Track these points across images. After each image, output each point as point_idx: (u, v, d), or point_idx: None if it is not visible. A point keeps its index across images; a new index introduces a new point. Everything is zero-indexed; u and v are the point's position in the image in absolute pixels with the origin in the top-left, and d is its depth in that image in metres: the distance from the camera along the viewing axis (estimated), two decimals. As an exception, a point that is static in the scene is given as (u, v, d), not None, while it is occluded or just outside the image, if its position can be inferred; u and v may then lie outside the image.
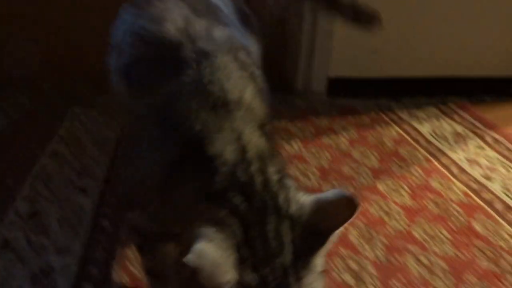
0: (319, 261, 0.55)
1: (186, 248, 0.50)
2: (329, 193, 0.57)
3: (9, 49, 1.63)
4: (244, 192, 0.55)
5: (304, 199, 0.57)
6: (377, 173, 1.32)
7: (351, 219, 0.54)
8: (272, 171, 0.58)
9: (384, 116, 1.72)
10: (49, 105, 1.55)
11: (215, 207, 0.55)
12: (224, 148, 0.57)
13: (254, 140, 0.60)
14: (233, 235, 0.52)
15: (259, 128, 0.62)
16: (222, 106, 0.60)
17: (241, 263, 0.51)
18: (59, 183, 1.16)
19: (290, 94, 1.85)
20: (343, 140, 1.50)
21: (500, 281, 0.93)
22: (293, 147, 1.45)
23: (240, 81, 0.64)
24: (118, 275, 0.90)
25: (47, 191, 1.13)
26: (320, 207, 0.56)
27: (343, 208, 0.54)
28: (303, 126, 1.59)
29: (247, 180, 0.56)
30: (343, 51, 1.82)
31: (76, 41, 1.67)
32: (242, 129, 0.59)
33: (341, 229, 0.54)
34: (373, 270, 0.95)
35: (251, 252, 0.52)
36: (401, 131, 1.60)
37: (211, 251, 0.50)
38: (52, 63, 1.66)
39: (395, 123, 1.67)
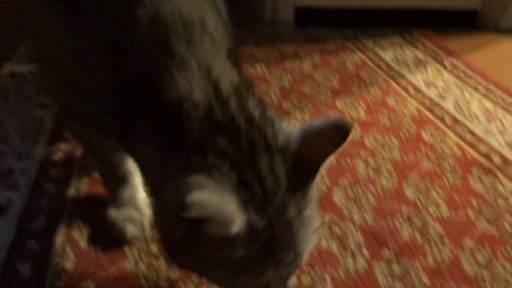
0: (313, 192, 0.54)
1: (173, 205, 0.46)
2: (318, 121, 0.53)
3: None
4: (227, 134, 0.50)
5: (291, 130, 0.53)
6: (336, 93, 1.36)
7: (342, 146, 0.51)
8: (252, 106, 0.53)
9: (349, 43, 1.73)
10: (5, 32, 1.51)
11: (196, 154, 0.49)
12: (192, 90, 0.50)
13: (227, 73, 0.53)
14: (227, 179, 0.48)
15: (228, 58, 0.55)
16: (184, 39, 0.52)
17: (243, 206, 0.47)
18: (18, 99, 1.16)
19: (257, 23, 1.83)
20: (306, 64, 1.53)
21: (441, 179, 1.01)
22: (257, 70, 1.46)
23: (199, 8, 0.55)
24: (78, 176, 0.93)
25: (6, 106, 1.13)
26: (309, 137, 0.52)
27: (333, 136, 0.51)
28: (268, 51, 1.60)
29: (228, 121, 0.50)
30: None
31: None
32: (211, 63, 0.52)
33: (332, 156, 0.51)
34: (323, 172, 1.00)
35: (249, 194, 0.48)
36: (364, 57, 1.62)
37: (210, 197, 0.45)
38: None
39: (359, 50, 1.69)
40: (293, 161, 0.51)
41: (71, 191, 0.88)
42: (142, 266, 0.75)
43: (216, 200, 0.45)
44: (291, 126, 0.54)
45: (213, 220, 0.45)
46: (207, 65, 0.52)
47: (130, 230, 0.80)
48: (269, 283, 0.53)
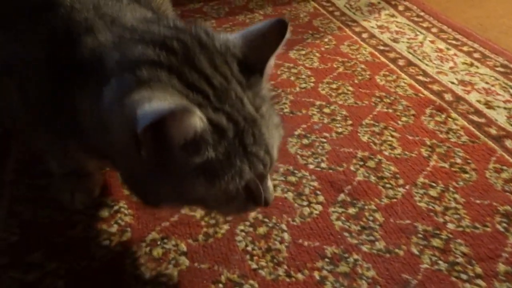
0: (265, 90, 0.54)
1: (128, 128, 0.44)
2: (255, 25, 0.55)
3: None
4: (150, 43, 0.50)
5: (227, 36, 0.54)
6: (290, 44, 1.32)
7: (284, 40, 0.53)
8: (167, 21, 0.55)
9: (302, -6, 1.68)
10: None
11: (127, 73, 0.47)
12: (97, 37, 0.53)
13: (132, 16, 0.57)
14: (170, 85, 0.46)
15: (140, 8, 0.60)
16: (93, 11, 0.57)
17: (198, 107, 0.46)
18: None
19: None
20: (257, 17, 1.47)
21: (394, 121, 1.01)
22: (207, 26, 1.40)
23: None
24: (18, 147, 0.87)
25: None
26: (250, 39, 0.53)
27: (273, 33, 0.53)
28: (218, 6, 1.53)
29: (144, 32, 0.52)
30: None
31: None
32: (115, 15, 0.56)
33: (278, 51, 0.53)
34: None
35: (200, 94, 0.47)
36: (317, 6, 1.58)
37: (161, 101, 0.43)
38: None
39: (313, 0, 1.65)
40: (238, 62, 0.52)
41: (12, 163, 0.83)
42: (92, 232, 0.72)
43: (169, 99, 0.44)
44: (228, 34, 0.55)
45: (172, 116, 0.43)
46: (110, 20, 0.55)
47: (80, 197, 0.76)
48: (249, 185, 0.52)
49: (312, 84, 1.13)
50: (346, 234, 0.74)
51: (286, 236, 0.73)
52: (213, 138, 0.47)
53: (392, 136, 0.96)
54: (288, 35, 0.53)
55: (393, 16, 1.53)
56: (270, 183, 0.58)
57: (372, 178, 0.85)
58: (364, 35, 1.39)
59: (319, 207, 0.79)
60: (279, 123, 0.55)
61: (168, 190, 0.51)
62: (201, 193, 0.51)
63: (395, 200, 0.81)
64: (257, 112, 0.51)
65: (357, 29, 1.42)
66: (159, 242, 0.71)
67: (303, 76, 1.16)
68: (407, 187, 0.83)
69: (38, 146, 0.73)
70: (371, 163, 0.89)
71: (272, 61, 0.55)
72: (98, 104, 0.50)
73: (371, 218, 0.77)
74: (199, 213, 0.77)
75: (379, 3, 1.62)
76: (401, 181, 0.85)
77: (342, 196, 0.81)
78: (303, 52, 1.28)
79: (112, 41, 0.53)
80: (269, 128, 0.53)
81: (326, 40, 1.35)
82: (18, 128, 0.69)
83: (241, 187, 0.51)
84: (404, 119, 1.02)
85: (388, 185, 0.84)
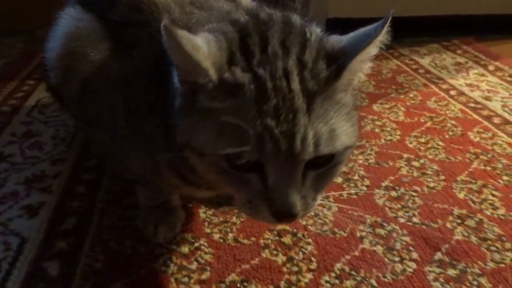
0: (343, 92, 0.50)
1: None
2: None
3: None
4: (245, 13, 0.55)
5: (340, 39, 0.53)
6: (373, 97, 1.30)
7: (377, 37, 0.49)
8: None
9: (383, 52, 1.68)
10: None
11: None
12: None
13: None
14: (225, 37, 0.49)
15: None
16: None
17: (233, 63, 0.47)
18: (54, 111, 1.18)
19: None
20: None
21: (495, 180, 0.92)
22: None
23: None
24: (109, 178, 0.91)
25: (42, 117, 1.15)
26: (351, 38, 0.52)
27: (371, 29, 0.50)
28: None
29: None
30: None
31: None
32: None
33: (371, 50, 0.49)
34: (363, 172, 0.94)
35: (246, 56, 0.48)
36: (400, 63, 1.57)
37: (196, 38, 0.47)
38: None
39: (395, 57, 1.64)
40: (324, 53, 0.50)
41: (102, 193, 0.86)
42: (172, 267, 0.71)
43: (197, 42, 0.46)
44: (340, 38, 0.53)
45: (188, 44, 0.45)
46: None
47: (162, 231, 0.76)
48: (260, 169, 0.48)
49: (398, 137, 1.08)
50: (446, 298, 0.65)
51: (376, 292, 0.66)
52: (221, 92, 0.46)
53: (493, 195, 0.87)
54: (384, 32, 0.49)
55: (483, 75, 1.46)
56: (296, 197, 0.49)
57: (473, 239, 0.76)
58: (452, 92, 1.33)
59: (413, 265, 0.71)
60: (341, 130, 0.49)
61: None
62: (202, 140, 0.49)
63: (503, 265, 0.71)
64: (303, 95, 0.47)
65: (444, 86, 1.37)
66: (239, 285, 0.68)
67: (388, 129, 1.12)
68: (516, 252, 0.73)
69: (130, 170, 0.72)
70: (470, 222, 0.80)
71: (365, 64, 0.52)
72: None
73: (475, 283, 0.68)
74: (280, 258, 0.72)
75: (466, 62, 1.57)
76: (508, 245, 0.75)
77: (439, 255, 0.73)
78: (387, 106, 1.24)
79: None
80: (311, 119, 0.46)
81: (411, 95, 1.31)
82: (114, 152, 0.70)
83: (243, 155, 0.46)
84: (505, 178, 0.92)
85: (493, 248, 0.74)
